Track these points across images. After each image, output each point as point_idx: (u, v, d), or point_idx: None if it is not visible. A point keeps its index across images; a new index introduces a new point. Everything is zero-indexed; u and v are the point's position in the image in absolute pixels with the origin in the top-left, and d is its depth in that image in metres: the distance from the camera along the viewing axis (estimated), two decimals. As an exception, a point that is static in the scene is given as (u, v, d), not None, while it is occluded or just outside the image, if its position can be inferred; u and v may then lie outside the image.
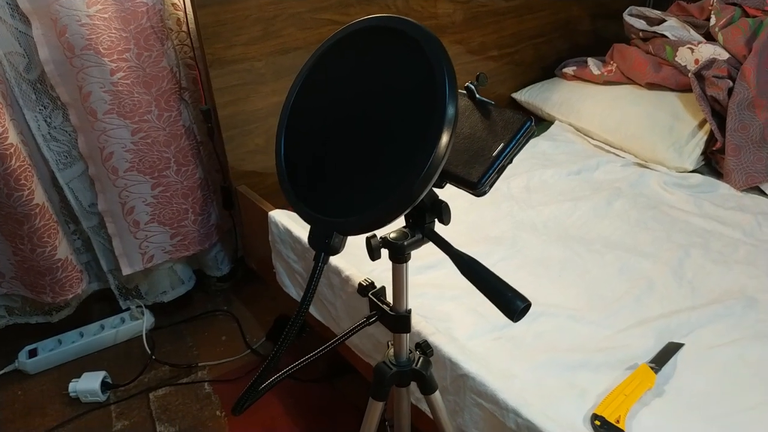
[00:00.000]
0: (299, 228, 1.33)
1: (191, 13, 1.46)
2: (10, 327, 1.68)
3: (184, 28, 1.55)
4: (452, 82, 0.54)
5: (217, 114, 1.54)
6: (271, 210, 1.44)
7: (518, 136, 0.60)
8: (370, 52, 0.61)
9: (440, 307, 1.15)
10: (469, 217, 1.47)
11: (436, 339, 0.98)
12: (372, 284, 0.79)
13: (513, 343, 1.07)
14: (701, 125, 1.71)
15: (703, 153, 1.70)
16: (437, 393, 0.83)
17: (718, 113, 1.69)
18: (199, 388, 1.56)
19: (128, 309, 1.77)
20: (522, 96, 2.12)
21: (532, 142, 1.67)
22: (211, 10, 1.42)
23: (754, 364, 1.01)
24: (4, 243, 1.50)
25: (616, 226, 1.43)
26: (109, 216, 1.57)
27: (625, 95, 1.87)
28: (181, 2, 1.50)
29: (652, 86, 1.86)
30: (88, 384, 1.51)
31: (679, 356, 1.03)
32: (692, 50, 1.78)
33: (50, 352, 1.63)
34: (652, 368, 0.98)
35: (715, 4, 1.85)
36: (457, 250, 0.63)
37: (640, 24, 1.98)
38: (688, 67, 1.76)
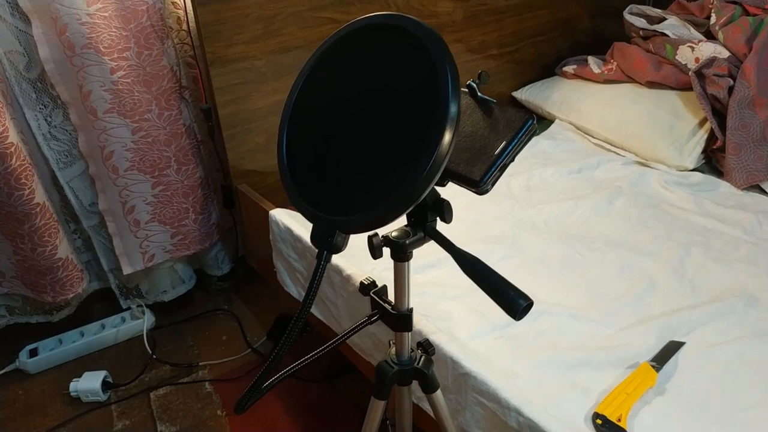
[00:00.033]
0: (300, 227, 1.33)
1: (191, 12, 1.46)
2: (10, 326, 1.68)
3: (185, 26, 1.55)
4: (455, 80, 0.54)
5: (217, 113, 1.54)
6: (272, 209, 1.44)
7: (520, 134, 0.60)
8: (372, 50, 0.61)
9: (442, 306, 1.15)
10: (469, 216, 1.47)
11: (437, 338, 0.98)
12: (373, 283, 0.79)
13: (514, 341, 1.07)
14: (702, 124, 1.71)
15: (704, 151, 1.70)
16: (439, 392, 0.83)
17: (718, 112, 1.69)
18: (199, 387, 1.56)
19: (129, 308, 1.77)
20: (522, 95, 2.12)
21: (532, 140, 1.67)
22: (211, 9, 1.42)
23: (755, 362, 1.01)
24: (5, 242, 1.50)
25: (617, 225, 1.43)
26: (109, 215, 1.57)
27: (626, 94, 1.87)
28: (182, 1, 1.50)
29: (652, 85, 1.86)
30: (89, 383, 1.51)
31: (680, 355, 1.03)
32: (693, 49, 1.78)
33: (51, 351, 1.63)
34: (653, 367, 0.98)
35: (715, 2, 1.85)
36: (460, 249, 0.63)
37: (640, 22, 1.98)
38: (689, 66, 1.76)
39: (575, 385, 0.97)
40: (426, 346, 0.81)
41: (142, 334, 1.71)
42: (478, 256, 0.62)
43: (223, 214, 1.80)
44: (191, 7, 1.44)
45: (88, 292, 1.72)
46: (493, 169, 0.60)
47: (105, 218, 1.58)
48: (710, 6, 1.87)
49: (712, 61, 1.71)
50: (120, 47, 1.39)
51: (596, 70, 1.99)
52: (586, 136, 1.90)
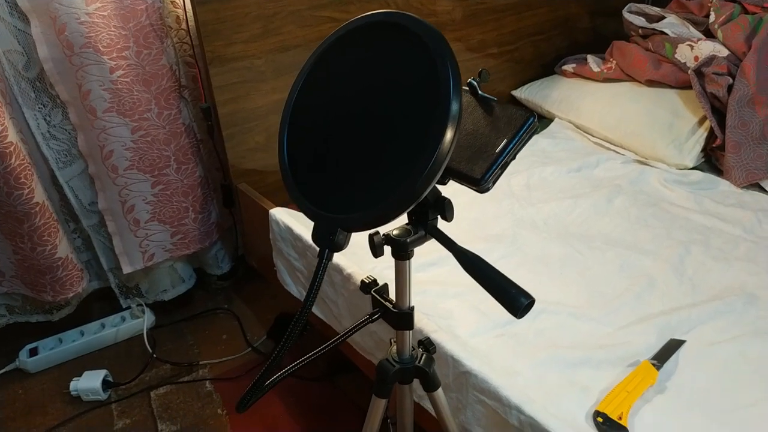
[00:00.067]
0: (300, 226, 1.33)
1: (191, 11, 1.46)
2: (10, 326, 1.68)
3: (184, 25, 1.54)
4: (456, 77, 0.54)
5: (217, 112, 1.54)
6: (272, 208, 1.44)
7: (521, 132, 0.60)
8: (372, 48, 0.61)
9: (442, 304, 1.16)
10: (469, 215, 1.47)
11: (438, 336, 0.98)
12: (374, 281, 0.79)
13: (515, 340, 1.07)
14: (701, 122, 1.71)
15: (703, 150, 1.70)
16: (440, 390, 0.83)
17: (717, 110, 1.69)
18: (200, 386, 1.56)
19: (129, 307, 1.76)
20: (521, 93, 2.12)
21: (531, 139, 1.68)
22: (210, 8, 1.42)
23: (755, 360, 1.02)
24: (5, 242, 1.49)
25: (617, 224, 1.43)
26: (109, 214, 1.57)
27: (625, 92, 1.87)
28: (181, 0, 1.50)
29: (651, 83, 1.86)
30: (89, 383, 1.51)
31: (681, 353, 1.03)
32: (692, 47, 1.78)
33: (51, 350, 1.63)
34: (654, 365, 0.98)
35: (714, 0, 1.85)
36: (461, 247, 0.63)
37: (639, 21, 1.98)
38: (688, 64, 1.77)
39: (575, 383, 0.97)
40: (427, 345, 0.81)
41: (142, 333, 1.71)
42: (479, 255, 0.62)
43: (223, 213, 1.80)
44: (190, 6, 1.44)
45: (88, 292, 1.72)
46: (494, 167, 0.60)
47: (105, 217, 1.58)
48: (709, 4, 1.87)
49: (711, 60, 1.71)
50: (119, 46, 1.39)
51: (595, 69, 1.99)
52: (586, 134, 1.91)
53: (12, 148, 1.32)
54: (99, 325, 1.71)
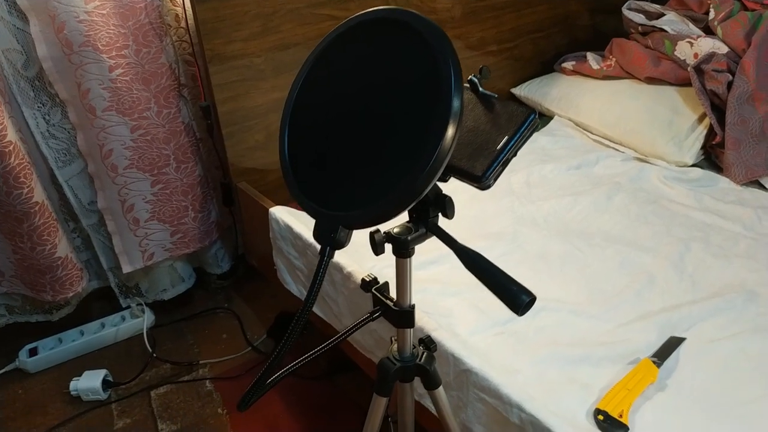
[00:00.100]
0: (300, 224, 1.33)
1: (190, 9, 1.46)
2: (10, 326, 1.68)
3: (183, 24, 1.54)
4: (458, 74, 0.53)
5: (216, 110, 1.53)
6: (272, 206, 1.43)
7: (522, 129, 0.60)
8: (373, 45, 0.61)
9: (443, 302, 1.15)
10: (469, 213, 1.47)
11: (438, 334, 0.98)
12: (375, 280, 0.78)
13: (515, 338, 1.07)
14: (701, 119, 1.71)
15: (703, 147, 1.70)
16: (441, 388, 0.83)
17: (717, 107, 1.69)
18: (200, 385, 1.56)
19: (128, 307, 1.76)
20: (521, 91, 2.12)
21: (531, 137, 1.68)
22: (209, 6, 1.41)
23: (755, 357, 1.02)
24: (4, 241, 1.49)
25: (617, 221, 1.43)
26: (108, 214, 1.57)
27: (625, 90, 1.87)
28: (180, -2, 1.49)
29: (651, 81, 1.86)
30: (89, 382, 1.51)
31: (681, 350, 1.03)
32: (691, 44, 1.78)
33: (51, 350, 1.63)
34: (654, 362, 0.98)
35: (714, -2, 1.85)
36: (462, 245, 0.62)
37: (639, 18, 1.98)
38: (688, 61, 1.76)
39: (576, 381, 0.97)
40: (428, 343, 0.81)
41: (142, 333, 1.71)
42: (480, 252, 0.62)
43: (223, 212, 1.80)
44: (190, 5, 1.44)
45: (88, 291, 1.72)
46: (495, 164, 0.60)
47: (104, 217, 1.57)
48: (709, 1, 1.87)
49: (711, 57, 1.71)
50: (118, 45, 1.38)
51: (595, 66, 1.98)
52: (585, 132, 1.90)
53: (11, 148, 1.32)
54: (99, 325, 1.71)
